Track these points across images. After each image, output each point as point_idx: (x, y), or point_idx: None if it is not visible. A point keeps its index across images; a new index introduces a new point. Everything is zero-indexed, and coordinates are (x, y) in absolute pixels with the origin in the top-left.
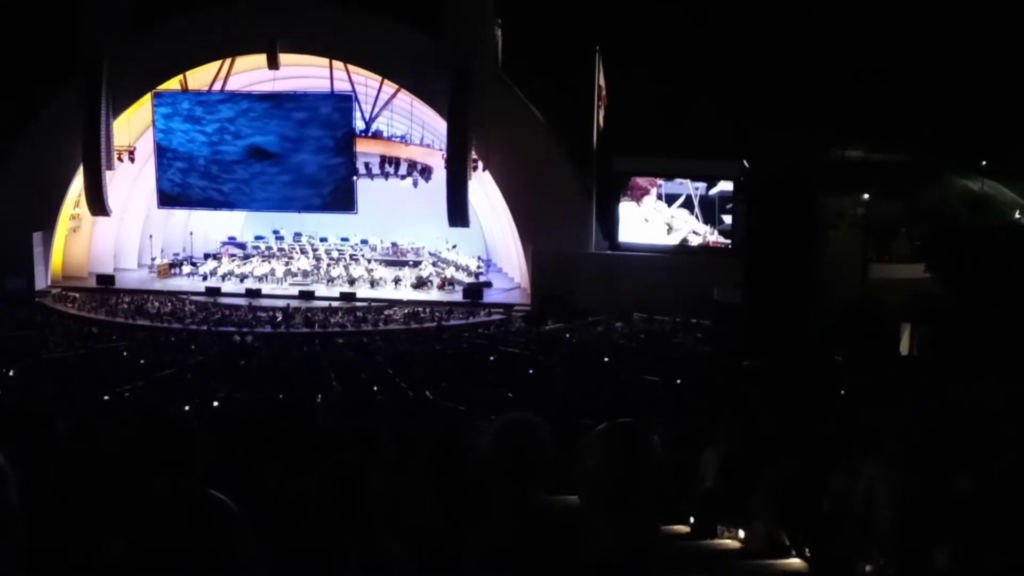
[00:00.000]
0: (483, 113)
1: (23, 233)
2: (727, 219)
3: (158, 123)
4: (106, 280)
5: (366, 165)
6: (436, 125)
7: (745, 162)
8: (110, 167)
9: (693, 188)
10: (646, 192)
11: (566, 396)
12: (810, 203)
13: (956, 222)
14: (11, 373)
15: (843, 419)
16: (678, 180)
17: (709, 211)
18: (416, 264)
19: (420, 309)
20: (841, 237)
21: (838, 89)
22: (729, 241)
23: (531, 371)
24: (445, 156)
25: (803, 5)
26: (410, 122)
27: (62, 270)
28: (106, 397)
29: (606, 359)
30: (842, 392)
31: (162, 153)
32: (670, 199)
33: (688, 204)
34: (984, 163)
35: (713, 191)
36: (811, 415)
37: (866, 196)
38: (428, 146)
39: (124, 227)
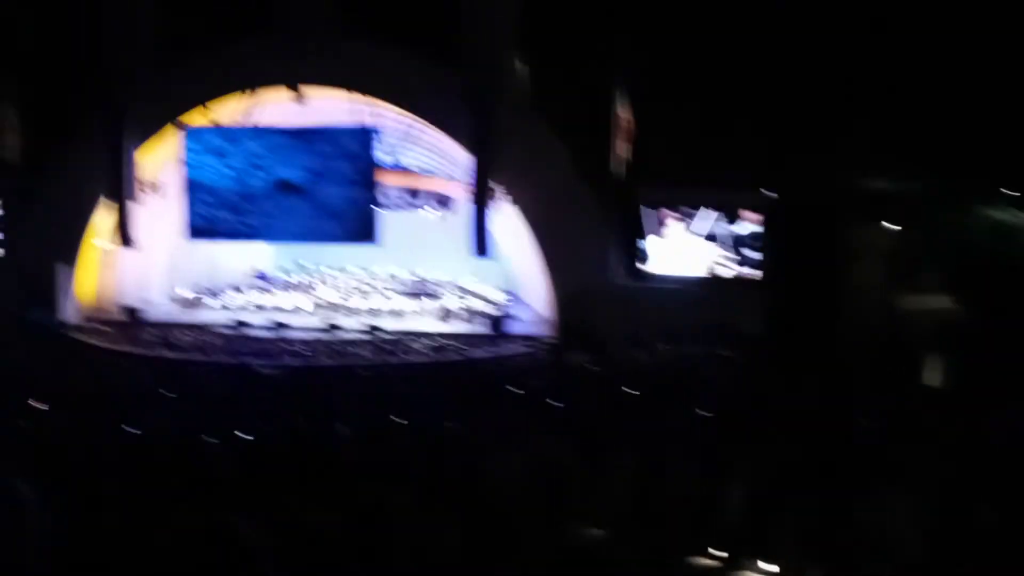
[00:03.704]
0: (506, 144)
1: (48, 265)
2: (753, 253)
3: (186, 157)
4: (132, 312)
5: (390, 197)
6: (459, 157)
7: (770, 192)
8: (134, 199)
9: (719, 223)
10: (672, 223)
11: (590, 429)
12: (835, 233)
13: (984, 252)
14: (35, 405)
15: (870, 451)
16: (705, 213)
17: (735, 245)
18: (439, 296)
19: (444, 341)
20: (867, 267)
21: (864, 116)
22: (754, 272)
23: (556, 404)
24: (468, 188)
25: (828, 33)
26: (433, 154)
27: (88, 302)
28: (130, 429)
29: (631, 391)
30: (869, 424)
31: (190, 187)
32: (697, 231)
33: (715, 238)
34: (1013, 192)
35: (740, 227)
36: (838, 447)
37: (892, 226)
38: (451, 178)
39: (150, 260)
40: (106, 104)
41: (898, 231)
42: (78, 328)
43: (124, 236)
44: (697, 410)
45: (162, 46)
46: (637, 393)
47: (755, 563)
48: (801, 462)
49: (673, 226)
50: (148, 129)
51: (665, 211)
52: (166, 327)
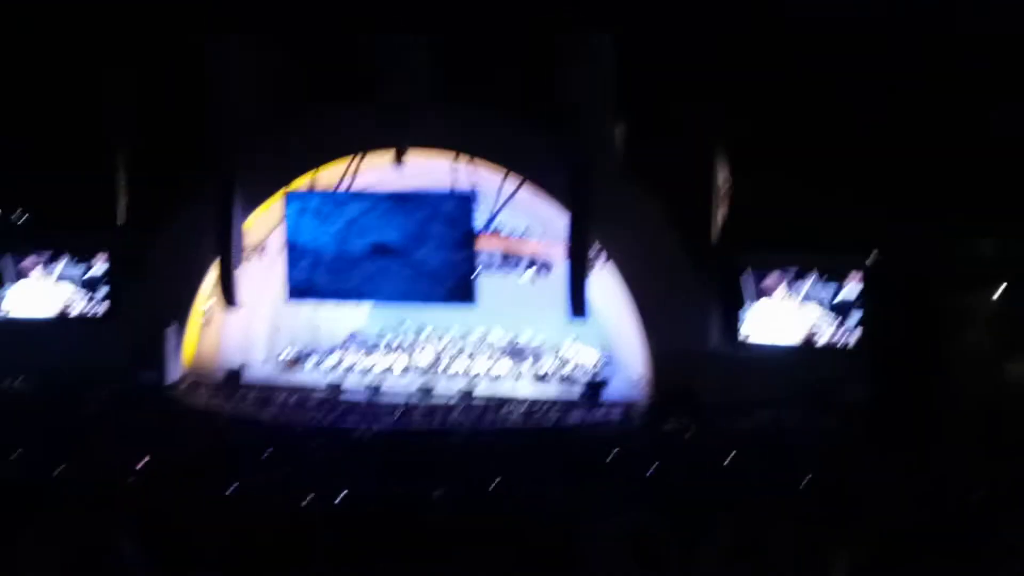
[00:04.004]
0: (603, 207)
1: (157, 326)
2: (853, 319)
3: (288, 220)
4: (234, 374)
5: (486, 260)
6: (556, 220)
7: (871, 257)
8: (241, 262)
9: (819, 288)
10: (772, 289)
11: (686, 496)
12: (939, 299)
13: None
14: (139, 466)
15: (979, 526)
16: (805, 281)
17: (837, 312)
18: (536, 359)
19: (539, 405)
20: (973, 335)
21: (968, 181)
22: (856, 340)
23: (651, 471)
24: (565, 250)
25: (932, 98)
26: (530, 217)
27: (193, 363)
28: (230, 491)
29: (729, 459)
30: (978, 498)
31: (292, 249)
32: (797, 296)
33: (815, 303)
34: None
35: (840, 293)
36: (946, 520)
37: (999, 291)
38: (548, 240)
39: (253, 321)
40: (216, 169)
41: (1003, 296)
42: (182, 389)
43: (229, 298)
44: (795, 479)
45: (270, 113)
46: (734, 461)
47: None
48: (903, 534)
49: (773, 291)
50: (256, 194)
51: (764, 276)
52: (267, 388)
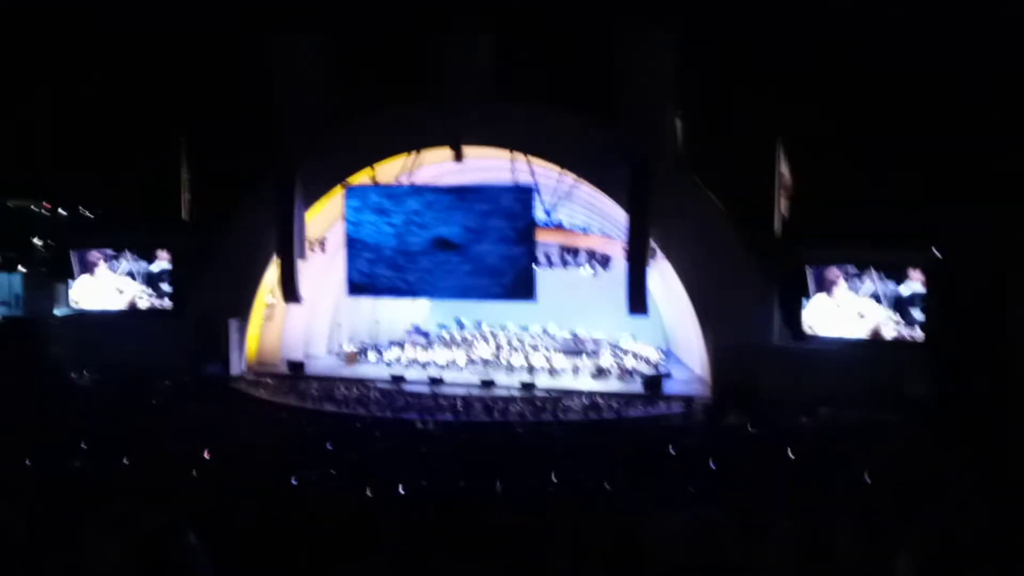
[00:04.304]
0: (663, 202)
1: (221, 320)
2: (918, 314)
3: (348, 215)
4: (296, 366)
5: (546, 255)
6: (615, 215)
7: (935, 250)
8: (302, 257)
9: (884, 283)
10: (834, 283)
11: (749, 491)
12: (1006, 293)
13: None
14: (206, 455)
15: None
16: (868, 275)
17: (901, 307)
18: (595, 354)
19: (599, 399)
20: None
21: None
22: (922, 334)
23: (712, 465)
24: (624, 246)
25: (996, 90)
26: (590, 212)
27: (256, 356)
28: (294, 481)
29: (790, 454)
30: None
31: (351, 244)
32: (861, 291)
33: (879, 298)
34: None
35: (905, 287)
36: (1013, 519)
37: None
38: (607, 236)
39: (314, 315)
40: (279, 166)
41: None
42: (246, 381)
43: (291, 292)
44: (858, 474)
45: (332, 110)
46: (796, 456)
47: None
48: (968, 531)
49: (835, 286)
50: (318, 189)
51: (828, 270)
52: (329, 381)
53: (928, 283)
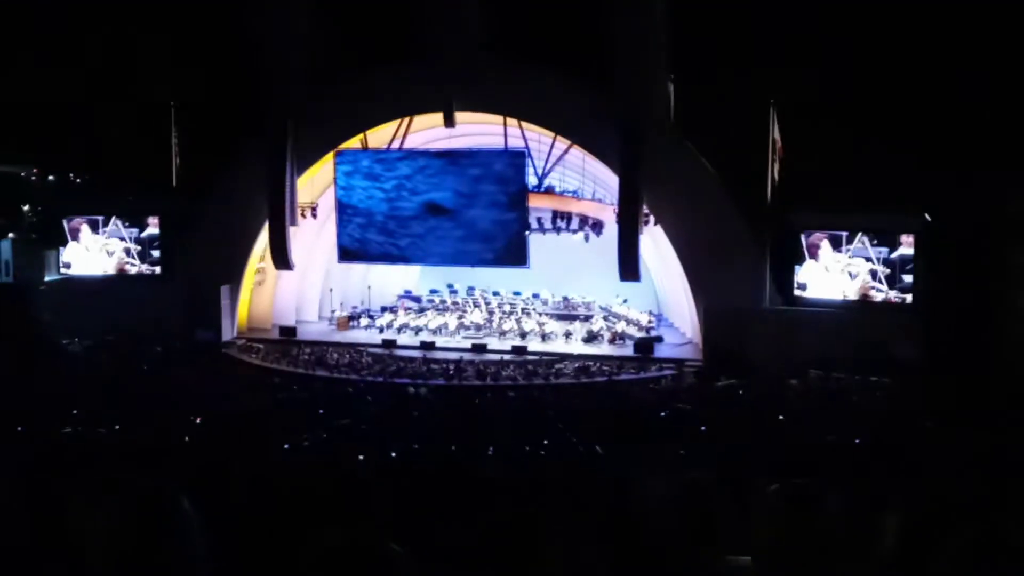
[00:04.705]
0: (655, 167)
1: (212, 286)
2: (908, 278)
3: (339, 180)
4: (288, 332)
5: (538, 220)
6: (607, 180)
7: (927, 215)
8: (294, 223)
9: (873, 247)
10: (817, 247)
11: (739, 454)
12: (995, 258)
13: None
14: (197, 421)
15: None
16: (858, 240)
17: (890, 271)
18: (587, 318)
19: (591, 363)
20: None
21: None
22: (909, 297)
23: (703, 428)
24: (616, 211)
25: (986, 49)
26: (582, 177)
27: (247, 322)
28: (286, 446)
29: (780, 417)
30: None
31: (342, 209)
32: (850, 255)
33: (869, 261)
34: None
35: (895, 254)
36: (1000, 478)
37: None
38: (599, 201)
39: (306, 281)
40: (269, 130)
41: None
42: (238, 347)
43: (282, 258)
44: (847, 436)
45: (322, 74)
46: (785, 419)
47: None
48: (956, 492)
49: (825, 249)
50: (309, 155)
51: (817, 234)
52: (320, 346)
53: (917, 247)
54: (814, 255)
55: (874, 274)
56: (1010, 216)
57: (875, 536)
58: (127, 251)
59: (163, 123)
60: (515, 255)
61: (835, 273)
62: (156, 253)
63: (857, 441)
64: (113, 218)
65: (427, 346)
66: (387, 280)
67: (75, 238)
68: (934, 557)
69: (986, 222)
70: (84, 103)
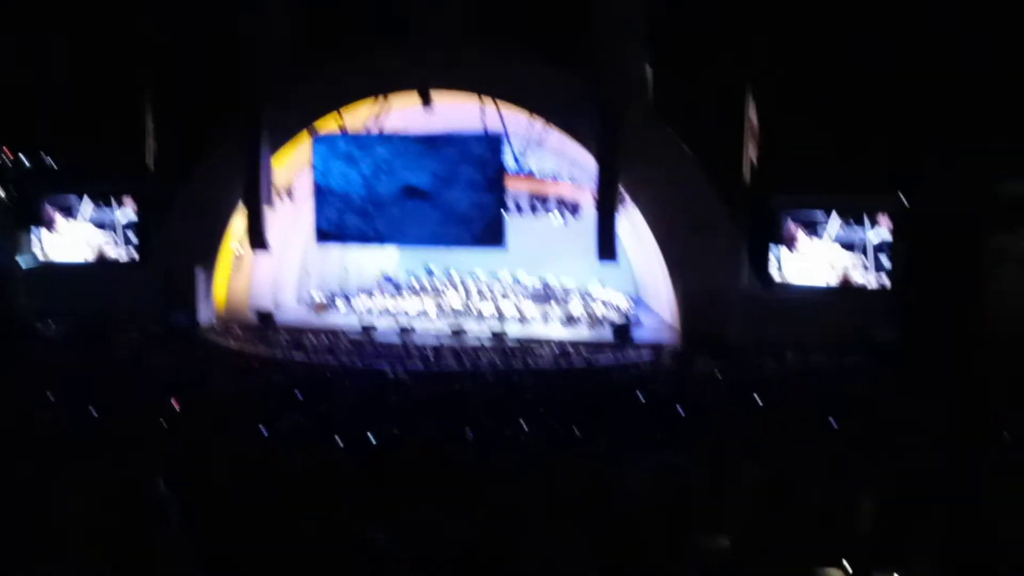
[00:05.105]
0: (633, 150)
1: (188, 269)
2: (886, 260)
3: (316, 164)
4: (265, 316)
5: (516, 202)
6: (585, 162)
7: (904, 198)
8: (270, 205)
9: (852, 229)
10: (794, 237)
11: (717, 437)
12: (974, 240)
13: None
14: (175, 406)
15: (1012, 466)
16: (836, 222)
17: (868, 252)
18: (565, 301)
19: (569, 347)
20: (1007, 276)
21: (1005, 118)
22: (887, 280)
23: (681, 411)
24: (594, 193)
25: (966, 30)
26: (559, 159)
27: (224, 306)
28: (264, 431)
29: (758, 400)
30: (1009, 437)
31: (320, 192)
32: (829, 238)
33: (849, 245)
34: None
35: (874, 234)
36: (976, 460)
37: None
38: (577, 183)
39: (283, 264)
40: (244, 111)
41: None
42: (214, 330)
43: (259, 240)
44: (826, 419)
45: (298, 55)
46: (764, 402)
47: (884, 574)
48: (936, 473)
49: (804, 232)
50: (284, 136)
51: (795, 217)
52: (297, 330)
53: (895, 230)
54: (792, 247)
55: (854, 259)
56: (991, 199)
57: (851, 517)
58: (103, 235)
59: (138, 104)
60: (493, 237)
61: (817, 259)
62: (132, 237)
63: (834, 423)
64: (87, 201)
65: (405, 330)
66: (365, 263)
67: (51, 228)
68: (910, 537)
69: (967, 205)
70: (57, 84)
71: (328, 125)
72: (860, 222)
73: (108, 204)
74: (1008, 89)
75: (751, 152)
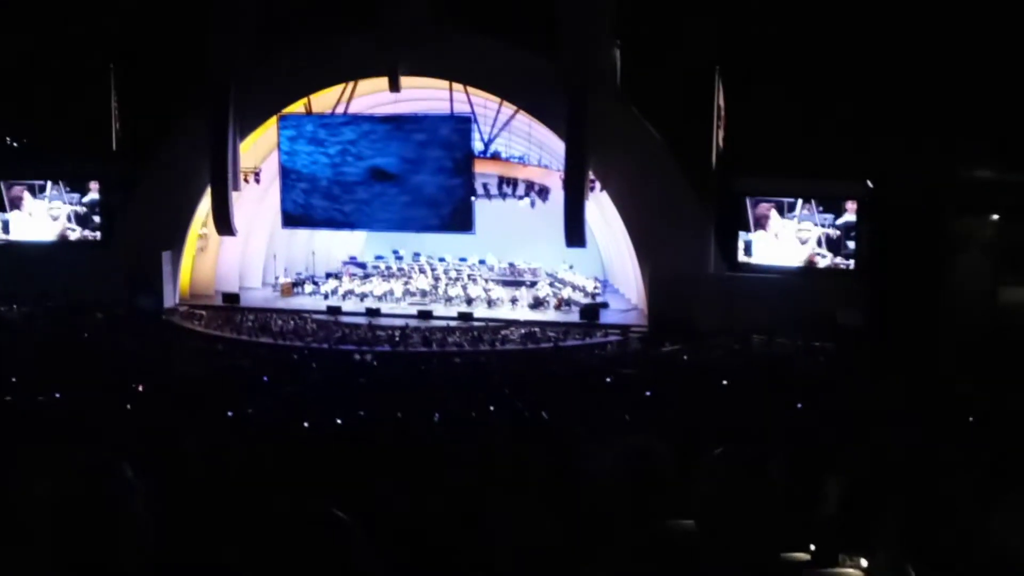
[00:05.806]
0: (601, 133)
1: (153, 252)
2: (850, 243)
3: (283, 145)
4: (231, 298)
5: (484, 186)
6: (554, 146)
7: (869, 183)
8: (236, 188)
9: (817, 213)
10: (766, 216)
11: (683, 419)
12: (938, 225)
13: None
14: (140, 389)
15: (974, 448)
16: (803, 206)
17: (835, 237)
18: (533, 284)
19: (536, 329)
20: (970, 260)
21: (969, 105)
22: (852, 263)
23: (648, 393)
24: (562, 177)
25: (930, 16)
26: (528, 143)
27: (189, 288)
28: (230, 414)
29: (724, 382)
30: (972, 420)
31: (286, 174)
32: (794, 221)
33: (813, 229)
34: None
35: (840, 221)
36: (940, 443)
37: (997, 217)
38: (546, 167)
39: (249, 247)
40: (211, 94)
41: (1001, 221)
42: (180, 313)
43: (225, 223)
44: (791, 402)
45: (266, 37)
46: (729, 383)
47: (850, 558)
48: (899, 455)
49: (774, 218)
50: (252, 119)
51: (763, 204)
52: (264, 312)
53: (860, 213)
54: (763, 225)
55: (820, 241)
56: (954, 183)
57: (818, 500)
58: (69, 216)
59: (102, 86)
60: (461, 221)
61: (785, 240)
62: (97, 219)
63: (800, 406)
64: (52, 183)
65: (372, 312)
66: (332, 246)
67: (17, 206)
68: (876, 520)
69: (931, 189)
70: (21, 65)
71: (295, 106)
72: (827, 206)
73: (74, 186)
74: (972, 76)
75: (719, 136)
